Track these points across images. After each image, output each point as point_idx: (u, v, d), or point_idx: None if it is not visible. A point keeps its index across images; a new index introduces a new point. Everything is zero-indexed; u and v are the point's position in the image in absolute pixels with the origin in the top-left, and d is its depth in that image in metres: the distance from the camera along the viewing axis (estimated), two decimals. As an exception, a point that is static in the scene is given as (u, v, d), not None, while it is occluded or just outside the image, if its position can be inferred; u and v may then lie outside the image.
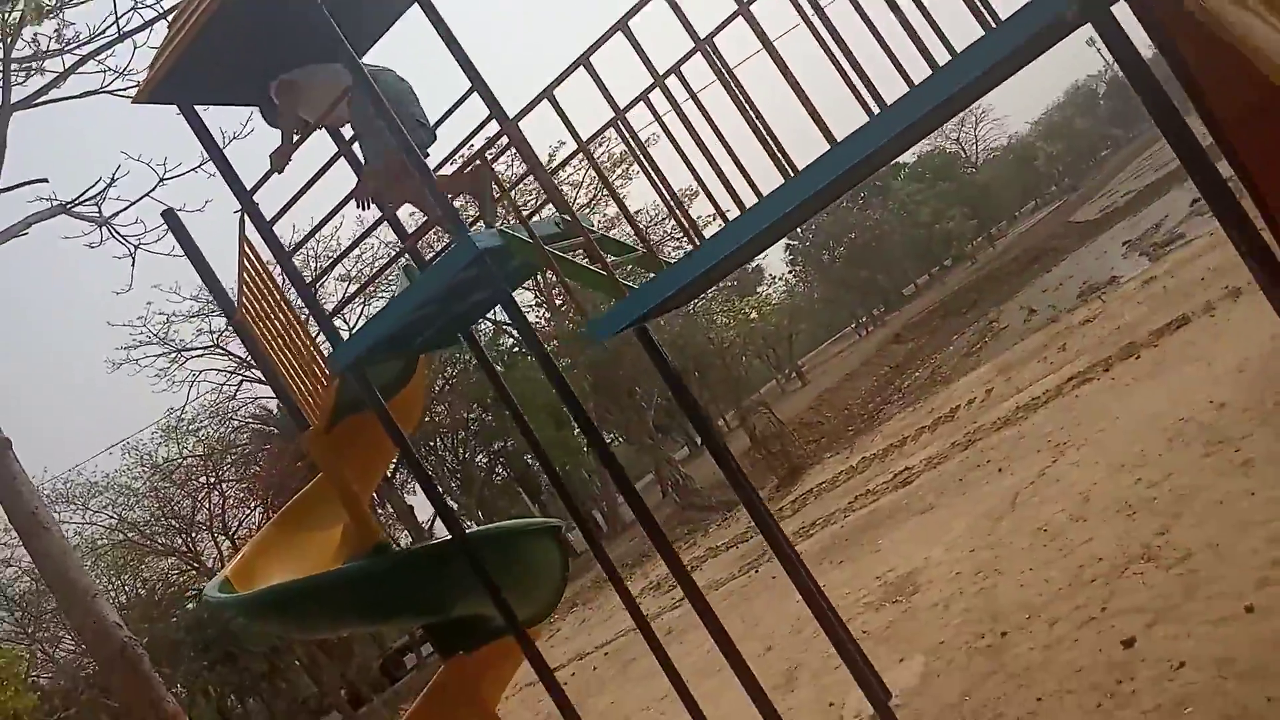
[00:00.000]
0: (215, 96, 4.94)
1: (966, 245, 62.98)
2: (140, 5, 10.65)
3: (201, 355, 26.66)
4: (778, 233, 4.38)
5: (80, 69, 10.52)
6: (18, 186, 9.74)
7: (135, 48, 10.55)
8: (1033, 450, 7.99)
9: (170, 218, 5.66)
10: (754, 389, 45.36)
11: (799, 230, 68.44)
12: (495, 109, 4.83)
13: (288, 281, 5.10)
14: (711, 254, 3.82)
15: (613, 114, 3.90)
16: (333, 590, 4.95)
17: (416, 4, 4.90)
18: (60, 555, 8.70)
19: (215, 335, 26.47)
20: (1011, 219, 76.66)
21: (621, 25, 3.76)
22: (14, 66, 10.05)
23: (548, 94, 3.91)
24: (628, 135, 3.87)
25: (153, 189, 10.82)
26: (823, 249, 65.48)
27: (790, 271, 64.81)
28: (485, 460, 31.72)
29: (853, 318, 69.38)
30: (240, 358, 27.34)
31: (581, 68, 3.85)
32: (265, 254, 4.95)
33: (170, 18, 4.91)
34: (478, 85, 4.83)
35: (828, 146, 3.52)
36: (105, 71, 10.76)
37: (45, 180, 10.16)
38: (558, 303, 28.77)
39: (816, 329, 75.27)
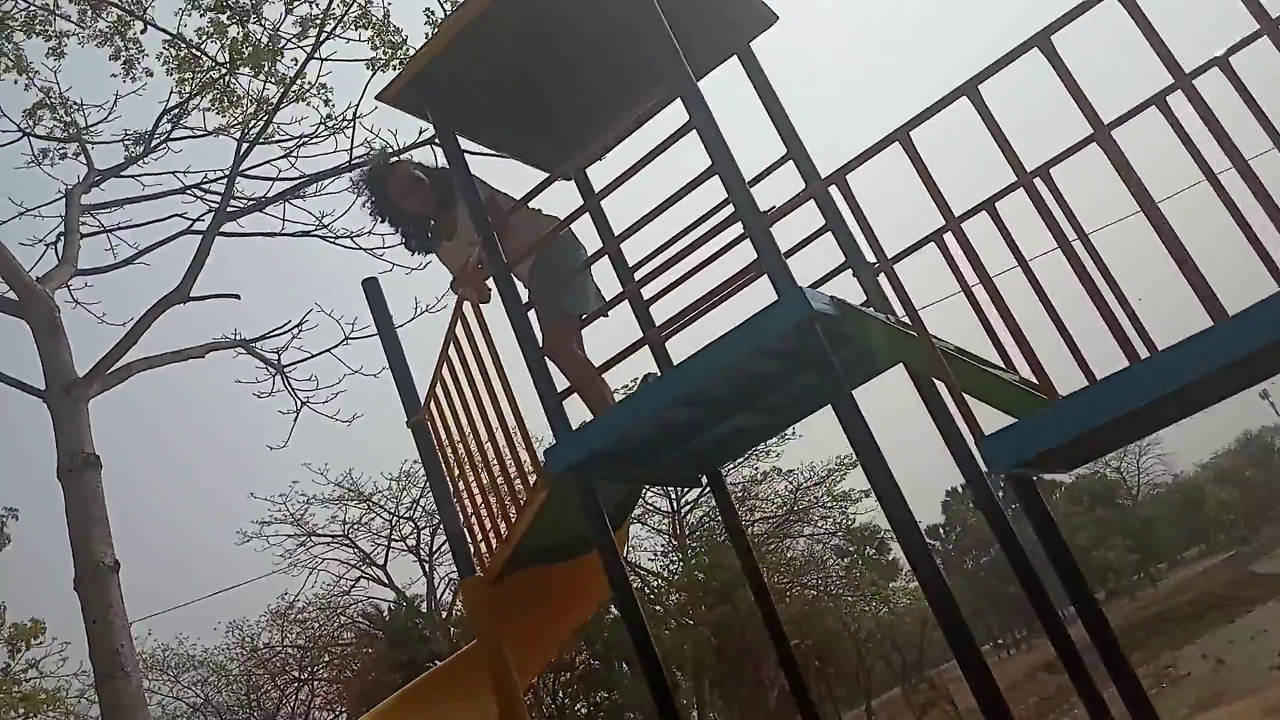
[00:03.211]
0: (479, 130, 4.06)
1: (1125, 580, 58.43)
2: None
3: (329, 545, 25.92)
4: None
5: (295, 198, 10.39)
6: (210, 297, 9.32)
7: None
8: None
9: (370, 285, 4.73)
10: (875, 695, 40.81)
11: (942, 531, 65.13)
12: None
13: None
14: (1166, 373, 2.41)
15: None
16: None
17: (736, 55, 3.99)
18: (131, 709, 7.32)
19: (347, 526, 25.82)
20: (1174, 560, 71.65)
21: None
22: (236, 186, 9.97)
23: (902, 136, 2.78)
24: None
25: (335, 345, 10.19)
26: (966, 554, 61.82)
27: (929, 573, 60.85)
28: (585, 711, 29.00)
29: (990, 635, 63.86)
30: (365, 553, 26.48)
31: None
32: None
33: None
34: (794, 152, 3.77)
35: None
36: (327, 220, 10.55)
37: (237, 296, 9.72)
38: (689, 544, 26.97)
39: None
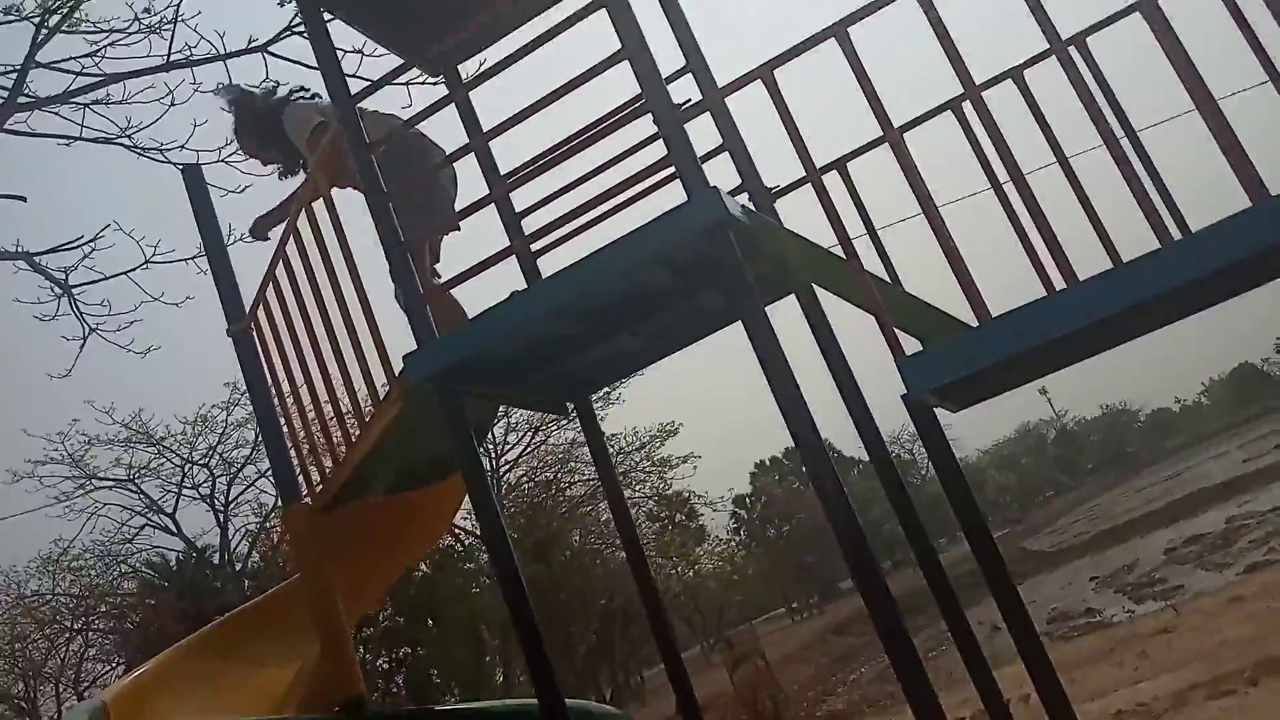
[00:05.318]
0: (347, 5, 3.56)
1: (909, 552, 62.51)
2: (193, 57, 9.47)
3: (111, 488, 23.74)
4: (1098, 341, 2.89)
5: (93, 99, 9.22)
6: (-9, 196, 8.15)
7: (172, 98, 9.09)
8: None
9: (191, 173, 4.15)
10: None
11: (748, 500, 67.52)
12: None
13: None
14: (1094, 301, 2.30)
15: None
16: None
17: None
18: None
19: (132, 470, 23.72)
20: (953, 537, 77.63)
21: None
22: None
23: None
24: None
25: (134, 269, 9.13)
26: (770, 524, 64.42)
27: (734, 540, 63.44)
28: (386, 666, 28.20)
29: (785, 600, 67.02)
30: (151, 499, 24.48)
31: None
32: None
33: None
34: (694, 63, 3.47)
35: None
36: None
37: (23, 199, 8.53)
38: (504, 503, 26.59)
39: (748, 605, 72.82)
